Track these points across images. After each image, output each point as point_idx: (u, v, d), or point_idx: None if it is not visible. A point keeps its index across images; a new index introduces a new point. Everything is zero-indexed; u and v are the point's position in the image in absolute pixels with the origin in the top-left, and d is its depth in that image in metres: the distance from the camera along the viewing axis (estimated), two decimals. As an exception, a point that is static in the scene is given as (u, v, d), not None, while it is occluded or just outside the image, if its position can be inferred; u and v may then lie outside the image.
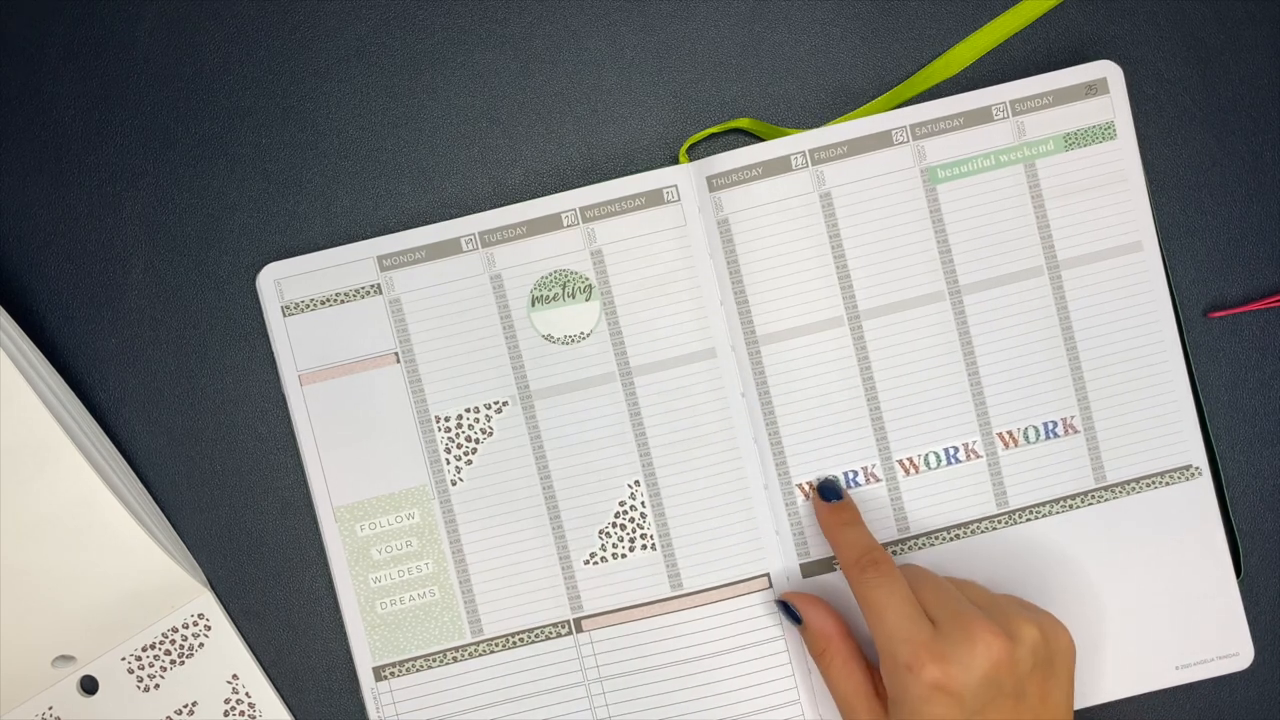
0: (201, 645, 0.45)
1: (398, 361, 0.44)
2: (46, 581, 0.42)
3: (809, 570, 0.44)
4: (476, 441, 0.45)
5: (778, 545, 0.45)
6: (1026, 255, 0.44)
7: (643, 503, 0.45)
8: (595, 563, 0.45)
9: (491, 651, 0.45)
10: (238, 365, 0.45)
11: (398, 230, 0.45)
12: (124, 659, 0.44)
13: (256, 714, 0.45)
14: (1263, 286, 0.45)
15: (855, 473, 0.44)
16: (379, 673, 0.45)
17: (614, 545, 0.45)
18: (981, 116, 0.44)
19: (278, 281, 0.44)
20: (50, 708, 0.44)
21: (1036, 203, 0.44)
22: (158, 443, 0.45)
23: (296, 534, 0.45)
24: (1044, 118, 0.44)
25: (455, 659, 0.45)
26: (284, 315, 0.44)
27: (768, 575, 0.45)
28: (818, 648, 0.42)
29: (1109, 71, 0.44)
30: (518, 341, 0.45)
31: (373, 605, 0.45)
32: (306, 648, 0.45)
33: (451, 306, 0.44)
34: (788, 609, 0.43)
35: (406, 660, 0.45)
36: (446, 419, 0.45)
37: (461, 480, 0.45)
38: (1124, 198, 0.44)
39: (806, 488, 0.44)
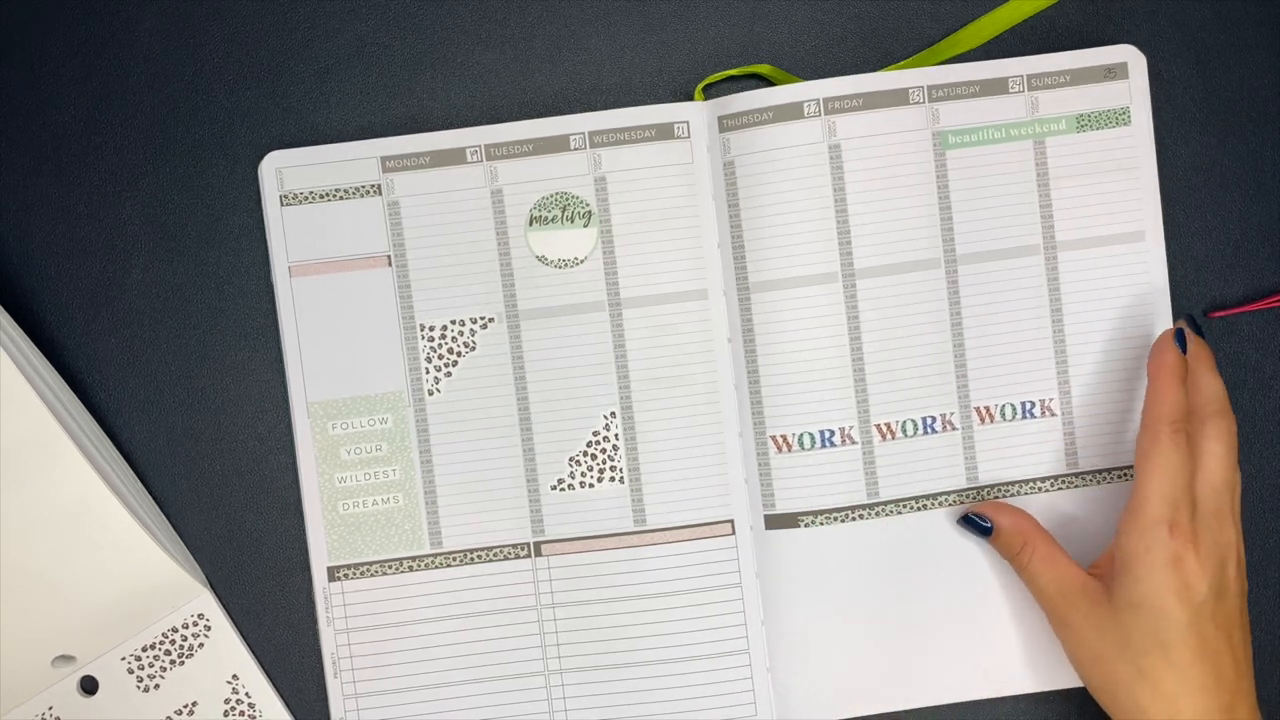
0: (201, 645, 0.45)
1: (389, 265, 0.44)
2: (46, 581, 0.42)
3: (773, 522, 0.44)
4: (458, 354, 0.45)
5: (745, 494, 0.45)
6: (1026, 232, 0.44)
7: (616, 435, 0.45)
8: (562, 489, 0.45)
9: (448, 565, 0.45)
10: (238, 365, 0.45)
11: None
12: (124, 659, 0.44)
13: (256, 714, 0.45)
14: (1263, 286, 0.45)
15: (832, 432, 0.44)
16: (333, 573, 0.45)
17: (583, 474, 0.45)
18: (997, 87, 0.44)
19: (279, 170, 0.44)
20: (50, 708, 0.44)
21: (1042, 180, 0.44)
22: (158, 443, 0.45)
23: (297, 534, 0.45)
24: (1059, 96, 0.44)
25: (411, 568, 0.45)
26: (281, 204, 0.44)
27: (731, 522, 0.45)
28: (1014, 546, 0.42)
29: (1130, 56, 0.44)
30: (511, 259, 0.44)
31: (335, 505, 0.45)
32: (306, 646, 0.45)
33: (449, 216, 0.44)
34: (973, 522, 0.43)
35: (362, 564, 0.45)
36: (431, 328, 0.45)
37: (439, 391, 0.45)
38: (1131, 185, 0.44)
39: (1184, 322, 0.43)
